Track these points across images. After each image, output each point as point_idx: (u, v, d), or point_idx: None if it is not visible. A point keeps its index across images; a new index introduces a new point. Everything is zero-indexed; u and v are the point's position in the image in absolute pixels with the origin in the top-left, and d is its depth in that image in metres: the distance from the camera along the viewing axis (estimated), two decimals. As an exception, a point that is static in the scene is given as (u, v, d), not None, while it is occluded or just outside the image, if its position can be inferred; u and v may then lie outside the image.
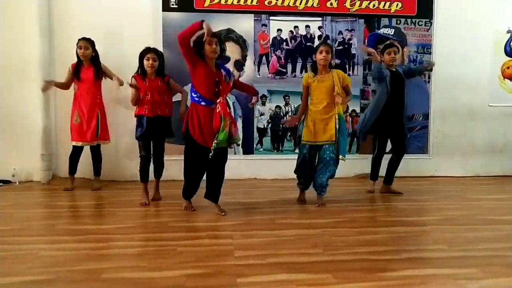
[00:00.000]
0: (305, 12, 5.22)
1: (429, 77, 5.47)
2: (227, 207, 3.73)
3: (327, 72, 3.81)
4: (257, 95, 3.89)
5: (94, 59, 4.39)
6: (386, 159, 4.50)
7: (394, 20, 5.34)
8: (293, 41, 5.27)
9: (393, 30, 5.35)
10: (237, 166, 5.04)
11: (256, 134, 5.29)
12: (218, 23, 5.11)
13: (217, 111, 3.38)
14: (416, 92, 5.20)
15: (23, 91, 4.86)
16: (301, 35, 5.28)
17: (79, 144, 4.45)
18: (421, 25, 5.40)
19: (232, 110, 4.27)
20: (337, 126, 3.78)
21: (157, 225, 3.40)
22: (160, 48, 5.01)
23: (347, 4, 5.25)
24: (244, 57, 5.20)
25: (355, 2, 5.25)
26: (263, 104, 5.26)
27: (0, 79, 4.86)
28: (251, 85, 4.26)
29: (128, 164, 4.93)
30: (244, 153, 5.27)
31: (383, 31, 5.33)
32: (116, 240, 3.00)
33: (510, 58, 5.63)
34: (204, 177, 3.68)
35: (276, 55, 5.25)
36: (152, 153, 4.02)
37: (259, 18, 5.19)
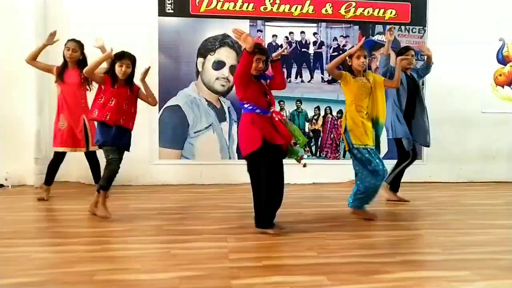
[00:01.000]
0: (300, 18, 5.27)
1: (422, 84, 5.50)
2: (223, 211, 3.72)
3: (363, 76, 3.60)
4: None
5: (81, 62, 4.18)
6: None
7: (388, 27, 5.38)
8: (288, 47, 5.30)
9: (387, 37, 5.39)
10: (233, 171, 5.05)
11: (251, 139, 5.29)
12: (214, 29, 5.14)
13: (277, 119, 3.13)
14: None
15: (17, 95, 4.85)
16: (296, 41, 5.32)
17: (61, 150, 4.19)
18: (415, 32, 5.46)
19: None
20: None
21: (151, 228, 3.39)
22: (155, 53, 5.05)
23: (342, 11, 5.30)
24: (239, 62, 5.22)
25: (350, 9, 5.30)
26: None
27: (-6, 82, 4.85)
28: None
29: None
30: (240, 158, 5.27)
31: (377, 38, 5.38)
32: (109, 243, 2.98)
33: (502, 66, 5.71)
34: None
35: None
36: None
37: (254, 24, 5.23)
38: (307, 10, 5.26)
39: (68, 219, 3.75)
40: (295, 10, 5.25)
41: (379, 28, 5.40)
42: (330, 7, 5.29)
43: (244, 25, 5.17)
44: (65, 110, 4.20)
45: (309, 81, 5.36)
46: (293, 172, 5.30)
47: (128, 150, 3.66)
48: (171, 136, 5.16)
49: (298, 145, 3.21)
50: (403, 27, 5.43)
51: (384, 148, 5.47)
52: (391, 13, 5.39)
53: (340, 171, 5.20)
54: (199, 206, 3.77)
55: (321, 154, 5.43)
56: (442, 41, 5.46)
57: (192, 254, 2.74)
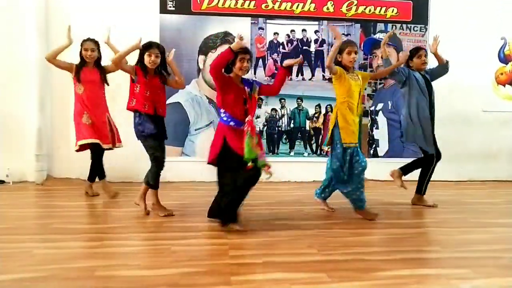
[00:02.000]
0: (302, 16, 5.27)
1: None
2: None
3: (353, 72, 3.58)
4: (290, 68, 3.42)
5: (98, 61, 4.19)
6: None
7: (389, 25, 5.40)
8: (289, 45, 5.31)
9: (389, 35, 5.39)
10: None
11: (251, 137, 5.29)
12: (215, 26, 5.15)
13: (245, 129, 3.09)
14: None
15: (19, 92, 4.86)
16: (297, 39, 5.31)
17: (89, 141, 4.08)
18: (416, 30, 5.45)
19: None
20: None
21: (152, 225, 3.40)
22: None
23: (343, 9, 5.30)
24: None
25: (351, 7, 5.30)
26: (259, 107, 5.28)
27: (-4, 79, 4.86)
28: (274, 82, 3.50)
29: (123, 165, 4.92)
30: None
31: (379, 36, 5.38)
32: (110, 239, 2.99)
33: (503, 65, 5.70)
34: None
35: (272, 58, 5.29)
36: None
37: (256, 22, 5.23)
38: (309, 8, 5.26)
39: (69, 215, 3.75)
40: (297, 8, 5.25)
41: (380, 26, 5.40)
42: (332, 5, 5.28)
43: (245, 23, 5.18)
44: (89, 109, 4.13)
45: (310, 79, 5.37)
46: (295, 169, 5.35)
47: (166, 138, 3.74)
48: (172, 133, 5.11)
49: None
50: (404, 26, 5.42)
51: (384, 147, 5.50)
52: (392, 11, 5.38)
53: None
54: (200, 203, 3.78)
55: (322, 152, 5.44)
56: (444, 40, 5.38)
57: (193, 251, 2.75)
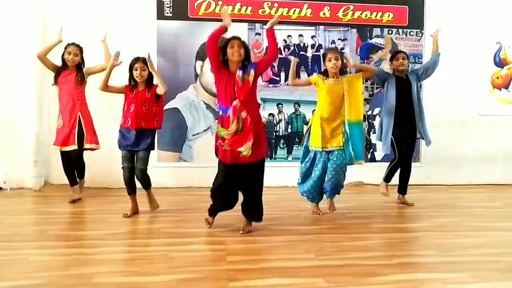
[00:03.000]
0: (299, 21, 5.29)
1: (420, 86, 5.52)
2: (220, 214, 3.71)
3: (338, 78, 3.77)
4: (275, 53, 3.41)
5: (79, 65, 4.29)
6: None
7: (386, 30, 5.43)
8: (286, 50, 5.33)
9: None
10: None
11: (249, 142, 5.30)
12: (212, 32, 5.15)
13: (227, 115, 3.14)
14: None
15: (16, 97, 4.86)
16: (294, 44, 5.34)
17: (57, 148, 4.28)
18: (412, 35, 5.49)
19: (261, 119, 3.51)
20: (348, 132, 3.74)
21: (149, 231, 3.40)
22: (154, 56, 5.06)
23: (340, 14, 5.33)
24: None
25: (348, 12, 5.33)
26: (257, 112, 5.29)
27: (-7, 85, 4.86)
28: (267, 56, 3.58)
29: (120, 170, 4.91)
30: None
31: (375, 41, 5.41)
32: (107, 245, 2.98)
33: (499, 69, 5.73)
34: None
35: (269, 63, 5.30)
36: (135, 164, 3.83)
37: (253, 27, 5.25)
38: (305, 14, 5.29)
39: (66, 221, 3.76)
40: (293, 13, 5.27)
41: (377, 31, 5.43)
42: (328, 11, 5.31)
43: (242, 28, 5.20)
44: (61, 110, 4.30)
45: (307, 84, 5.38)
46: (292, 174, 5.35)
47: (152, 149, 3.88)
48: (170, 139, 5.17)
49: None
50: (400, 30, 5.46)
51: (381, 151, 5.50)
52: (388, 16, 5.41)
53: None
54: (197, 208, 3.78)
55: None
56: (439, 44, 5.48)
57: (190, 257, 2.75)
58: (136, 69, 3.70)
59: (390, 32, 5.42)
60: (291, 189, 5.05)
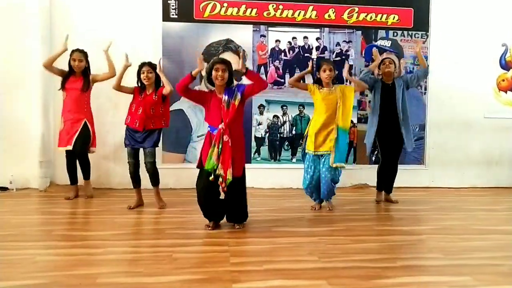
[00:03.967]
0: (303, 23, 5.30)
1: (425, 89, 5.53)
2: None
3: (331, 87, 4.06)
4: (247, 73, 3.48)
5: (85, 70, 4.42)
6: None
7: (391, 32, 5.42)
8: (291, 52, 5.34)
9: (390, 42, 5.42)
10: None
11: (253, 143, 5.32)
12: (217, 34, 5.18)
13: (214, 134, 3.32)
14: (412, 103, 5.23)
15: (22, 98, 4.90)
16: (299, 46, 5.35)
17: (61, 148, 4.45)
18: (418, 37, 5.47)
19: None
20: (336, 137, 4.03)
21: (154, 232, 3.42)
22: (160, 57, 5.09)
23: (345, 16, 5.33)
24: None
25: (353, 14, 5.33)
26: (261, 113, 5.30)
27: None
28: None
29: (125, 171, 4.94)
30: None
31: (380, 43, 5.41)
32: (112, 246, 3.00)
33: (505, 71, 5.71)
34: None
35: (274, 65, 5.32)
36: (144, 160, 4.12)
37: (258, 29, 5.26)
38: (310, 16, 5.29)
39: (72, 222, 3.78)
40: (298, 15, 5.28)
41: (382, 33, 5.42)
42: (333, 13, 5.32)
43: (247, 30, 5.22)
44: (66, 113, 4.43)
45: (311, 86, 5.38)
46: (296, 176, 5.36)
47: (157, 145, 4.15)
48: (174, 140, 5.19)
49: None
50: (405, 33, 5.45)
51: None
52: (393, 18, 5.41)
53: (343, 176, 5.19)
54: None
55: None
56: (445, 46, 5.48)
57: (194, 258, 2.77)
58: (143, 72, 3.99)
59: (395, 34, 5.41)
60: (295, 191, 5.06)
